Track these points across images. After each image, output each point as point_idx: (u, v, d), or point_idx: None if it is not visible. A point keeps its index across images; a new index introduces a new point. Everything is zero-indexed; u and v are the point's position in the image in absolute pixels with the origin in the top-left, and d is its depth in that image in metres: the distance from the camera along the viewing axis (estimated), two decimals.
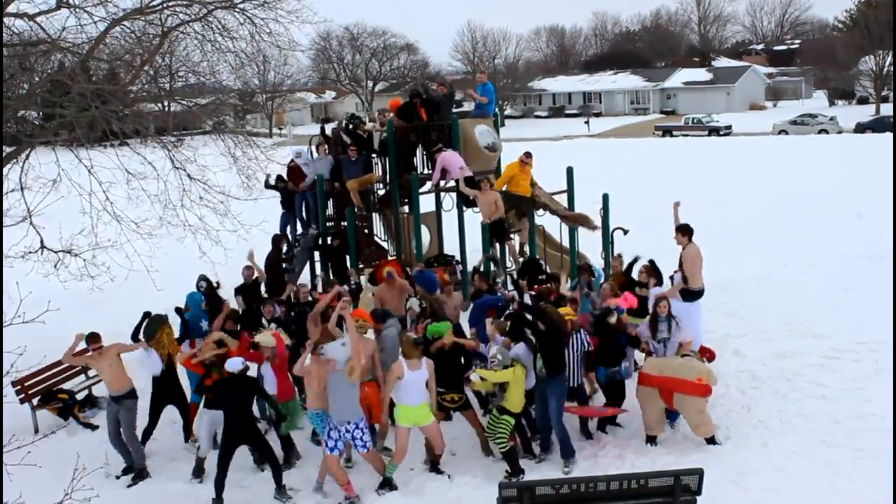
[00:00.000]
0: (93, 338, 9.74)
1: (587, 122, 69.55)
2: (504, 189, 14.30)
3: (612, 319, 9.94)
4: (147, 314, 10.24)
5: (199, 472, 9.43)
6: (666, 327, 9.88)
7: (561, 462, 9.23)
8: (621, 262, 12.22)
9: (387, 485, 8.93)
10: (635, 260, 12.11)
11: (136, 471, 9.60)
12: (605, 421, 10.14)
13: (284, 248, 14.71)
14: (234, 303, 11.79)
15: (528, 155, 14.16)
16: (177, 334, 10.54)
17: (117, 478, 9.62)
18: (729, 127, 58.57)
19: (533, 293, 10.98)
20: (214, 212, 13.43)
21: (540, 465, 9.34)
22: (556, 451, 9.38)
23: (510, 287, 13.87)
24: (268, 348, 9.50)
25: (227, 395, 8.74)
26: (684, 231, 10.75)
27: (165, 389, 10.11)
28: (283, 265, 14.54)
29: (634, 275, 12.00)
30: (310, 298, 11.81)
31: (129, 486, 9.46)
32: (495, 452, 9.50)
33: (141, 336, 10.06)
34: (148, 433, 10.20)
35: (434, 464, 9.30)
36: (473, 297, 11.54)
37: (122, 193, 13.13)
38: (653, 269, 11.70)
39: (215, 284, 11.80)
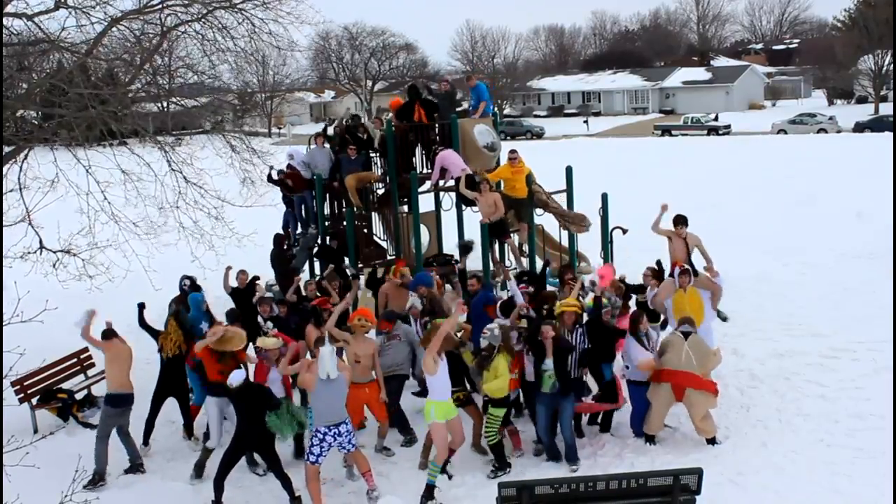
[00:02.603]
0: (107, 334, 9.85)
1: (586, 122, 69.57)
2: (501, 190, 14.32)
3: (606, 317, 9.98)
4: (142, 305, 10.40)
5: (199, 471, 9.39)
6: (646, 340, 9.85)
7: (566, 463, 9.25)
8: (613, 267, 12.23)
9: (430, 494, 8.72)
10: (659, 263, 12.03)
11: (94, 473, 9.45)
12: (607, 423, 10.14)
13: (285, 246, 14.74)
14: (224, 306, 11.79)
15: (513, 152, 14.18)
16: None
17: (127, 471, 9.67)
18: (728, 126, 58.63)
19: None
20: (209, 216, 13.40)
21: (539, 464, 9.34)
22: (545, 463, 9.38)
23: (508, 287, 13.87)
24: (274, 350, 9.40)
25: (241, 404, 8.65)
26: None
27: (170, 380, 10.20)
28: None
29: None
30: (317, 294, 11.90)
31: (84, 486, 9.10)
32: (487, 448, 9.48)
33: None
34: (150, 424, 10.25)
35: (445, 462, 9.12)
36: (470, 297, 11.54)
37: (120, 194, 13.13)
38: (658, 272, 11.73)
39: (199, 284, 11.83)
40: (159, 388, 10.29)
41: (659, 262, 11.93)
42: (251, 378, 9.20)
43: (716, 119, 61.32)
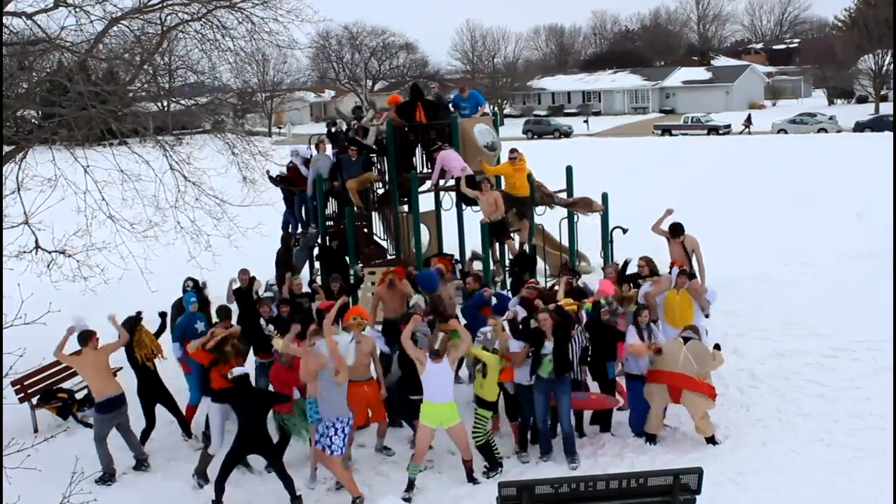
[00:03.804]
0: (84, 336, 9.70)
1: (586, 122, 69.54)
2: (503, 190, 14.32)
3: (605, 317, 9.96)
4: (139, 314, 10.33)
5: (203, 474, 9.31)
6: (647, 334, 9.85)
7: (564, 460, 9.25)
8: (616, 268, 12.23)
9: (411, 486, 8.82)
10: (626, 263, 12.13)
11: (104, 473, 9.50)
12: (608, 422, 10.13)
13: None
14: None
15: (513, 151, 14.17)
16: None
17: (135, 468, 9.71)
18: (728, 126, 58.60)
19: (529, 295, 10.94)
20: (209, 215, 13.37)
21: (539, 464, 9.34)
22: (545, 461, 9.38)
23: (509, 287, 13.89)
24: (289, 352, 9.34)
25: (242, 405, 8.64)
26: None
27: (150, 388, 10.16)
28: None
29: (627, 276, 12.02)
30: (305, 290, 11.88)
31: (96, 481, 9.30)
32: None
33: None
34: (146, 434, 10.22)
35: (469, 472, 9.09)
36: (467, 297, 11.55)
37: (118, 194, 13.09)
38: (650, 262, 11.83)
39: (202, 285, 11.79)
40: (144, 397, 10.19)
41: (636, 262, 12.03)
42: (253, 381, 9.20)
43: (748, 121, 58.55)
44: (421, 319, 10.55)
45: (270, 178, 15.67)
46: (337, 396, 8.64)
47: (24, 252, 12.93)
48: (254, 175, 14.55)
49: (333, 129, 16.31)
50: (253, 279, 12.15)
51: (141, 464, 9.83)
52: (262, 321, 10.89)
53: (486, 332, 9.25)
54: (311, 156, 15.77)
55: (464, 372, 11.12)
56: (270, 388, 9.78)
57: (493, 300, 11.22)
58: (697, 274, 11.75)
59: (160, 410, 10.34)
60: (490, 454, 9.22)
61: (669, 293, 10.92)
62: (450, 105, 15.46)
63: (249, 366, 9.79)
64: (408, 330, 9.06)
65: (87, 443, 10.03)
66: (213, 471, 9.09)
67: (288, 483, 8.68)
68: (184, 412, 10.56)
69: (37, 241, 12.99)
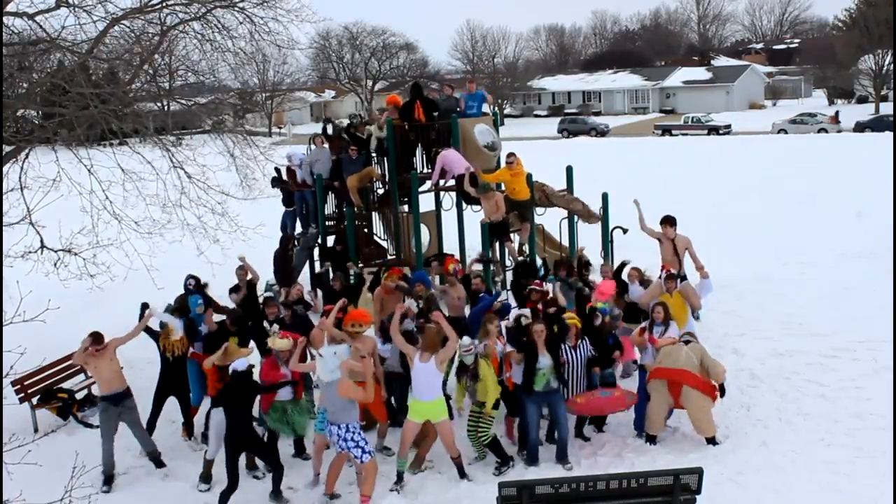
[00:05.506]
0: (96, 338, 9.68)
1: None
2: (502, 192, 14.35)
3: (598, 321, 9.97)
4: (145, 305, 10.39)
5: (207, 477, 9.28)
6: (661, 332, 9.86)
7: (559, 462, 9.25)
8: (611, 268, 12.25)
9: (399, 479, 8.89)
10: (623, 264, 12.16)
11: (154, 459, 9.74)
12: (601, 422, 10.14)
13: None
14: (226, 303, 11.78)
15: (510, 155, 14.17)
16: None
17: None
18: (728, 126, 58.59)
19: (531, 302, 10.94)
20: (212, 212, 13.38)
21: (540, 464, 9.32)
22: (545, 461, 9.36)
23: (509, 287, 13.89)
24: (284, 351, 9.29)
25: (227, 401, 8.61)
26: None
27: (171, 380, 10.21)
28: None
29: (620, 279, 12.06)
30: (305, 297, 11.90)
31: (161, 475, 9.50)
32: (475, 451, 9.48)
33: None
34: (151, 425, 10.23)
35: (460, 469, 9.09)
36: (472, 298, 11.53)
37: (122, 192, 13.11)
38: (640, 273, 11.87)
39: (203, 283, 11.82)
40: (161, 387, 10.30)
41: (622, 265, 12.05)
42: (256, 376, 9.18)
43: (836, 118, 55.08)
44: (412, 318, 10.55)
45: (274, 181, 15.66)
46: (340, 402, 8.55)
47: (30, 252, 12.94)
48: (254, 176, 14.53)
49: (330, 131, 16.29)
50: (251, 279, 12.16)
51: (152, 456, 9.83)
52: (266, 323, 10.87)
53: (472, 344, 9.21)
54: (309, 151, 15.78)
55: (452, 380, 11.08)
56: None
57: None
58: (695, 270, 11.77)
59: (165, 410, 10.35)
60: (500, 450, 9.24)
61: (663, 297, 10.94)
62: (457, 103, 15.43)
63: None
64: (396, 320, 9.09)
65: (86, 440, 10.04)
66: (215, 473, 9.14)
67: (276, 476, 8.72)
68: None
69: (42, 241, 13.01)
